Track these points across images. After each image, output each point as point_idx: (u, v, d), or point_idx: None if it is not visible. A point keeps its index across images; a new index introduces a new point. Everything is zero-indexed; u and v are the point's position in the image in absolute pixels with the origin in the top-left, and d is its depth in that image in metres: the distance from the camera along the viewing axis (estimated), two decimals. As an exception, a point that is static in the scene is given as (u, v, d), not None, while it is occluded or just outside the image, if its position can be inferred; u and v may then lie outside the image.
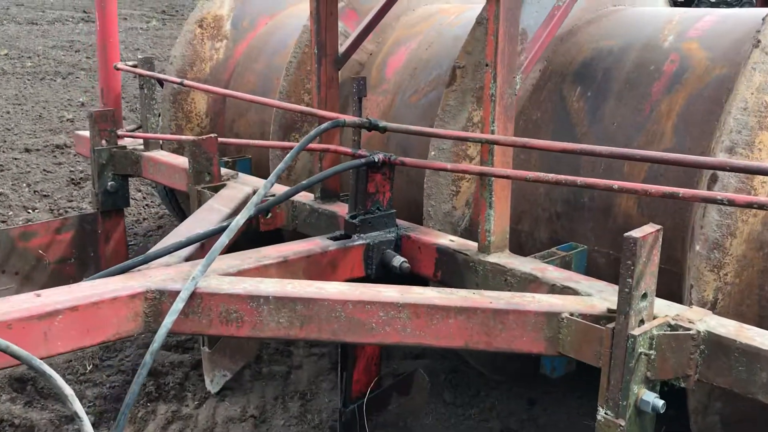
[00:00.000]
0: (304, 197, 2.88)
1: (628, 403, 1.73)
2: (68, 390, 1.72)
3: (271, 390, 3.32)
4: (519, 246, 2.69)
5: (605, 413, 1.77)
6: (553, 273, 2.15)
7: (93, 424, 2.99)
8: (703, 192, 1.90)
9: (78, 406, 1.73)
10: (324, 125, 2.35)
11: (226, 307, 1.88)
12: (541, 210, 2.65)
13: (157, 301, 1.88)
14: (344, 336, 1.90)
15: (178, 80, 3.74)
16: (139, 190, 6.19)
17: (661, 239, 1.72)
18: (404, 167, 2.83)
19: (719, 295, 2.00)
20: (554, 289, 2.08)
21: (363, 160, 2.33)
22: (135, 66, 3.79)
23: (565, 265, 2.32)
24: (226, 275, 2.02)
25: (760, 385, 1.68)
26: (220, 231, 2.02)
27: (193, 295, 1.87)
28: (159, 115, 3.98)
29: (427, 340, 1.90)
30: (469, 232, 2.66)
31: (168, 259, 2.07)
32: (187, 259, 2.15)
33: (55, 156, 7.50)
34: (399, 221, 2.56)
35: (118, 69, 3.87)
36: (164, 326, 1.80)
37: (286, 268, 2.17)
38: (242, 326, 1.89)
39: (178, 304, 1.83)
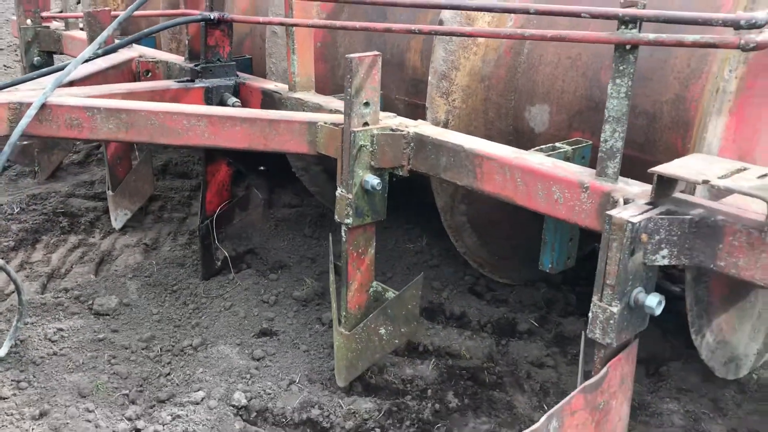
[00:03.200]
0: (177, 59, 3.47)
1: (354, 182, 2.38)
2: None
3: (167, 228, 3.99)
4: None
5: (340, 191, 2.42)
6: (335, 103, 2.78)
7: (13, 248, 3.69)
8: (436, 27, 2.48)
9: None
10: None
11: (70, 115, 2.51)
12: (360, 67, 3.24)
13: (18, 110, 2.51)
14: (159, 139, 2.54)
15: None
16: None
17: (380, 63, 2.34)
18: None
19: (449, 117, 2.64)
20: (332, 112, 2.71)
21: (199, 16, 2.93)
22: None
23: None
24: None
25: (442, 167, 2.33)
26: (72, 63, 2.64)
27: (45, 106, 2.50)
28: (78, 2, 4.54)
29: (221, 142, 2.55)
30: (306, 87, 3.27)
31: (35, 86, 2.69)
32: (55, 89, 2.77)
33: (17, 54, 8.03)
34: (241, 74, 3.17)
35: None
36: (20, 125, 2.44)
37: (131, 99, 2.79)
38: (82, 131, 2.53)
39: (31, 111, 2.46)
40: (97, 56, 2.72)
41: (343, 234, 2.48)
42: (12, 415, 2.49)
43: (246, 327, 2.98)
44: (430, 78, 2.59)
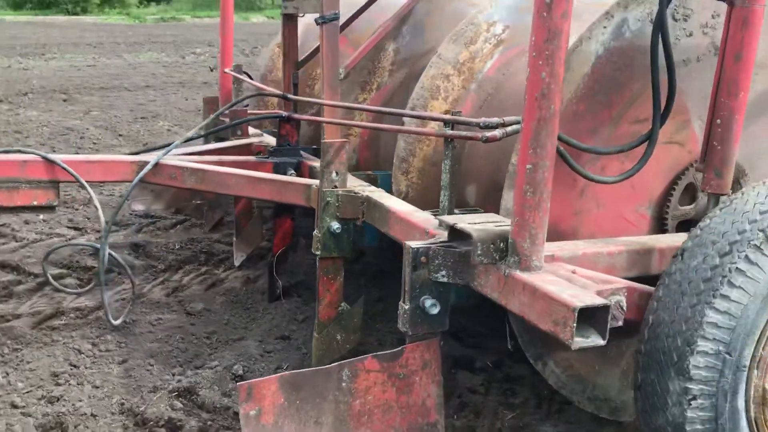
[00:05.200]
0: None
1: (324, 226, 3.46)
2: (93, 193, 3.89)
3: (270, 271, 5.30)
4: (382, 178, 4.39)
5: (316, 232, 3.51)
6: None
7: (162, 270, 5.22)
8: (400, 127, 3.54)
9: (95, 198, 3.89)
10: (245, 95, 4.34)
11: (171, 171, 3.93)
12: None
13: (142, 166, 3.98)
14: (220, 189, 3.87)
15: (260, 85, 5.92)
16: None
17: (347, 146, 3.44)
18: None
19: (409, 189, 3.62)
20: (336, 182, 3.83)
21: (275, 114, 4.27)
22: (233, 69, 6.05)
23: (371, 181, 4.01)
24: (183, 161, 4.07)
25: (377, 219, 3.33)
26: (179, 141, 4.09)
27: (158, 165, 3.95)
28: (247, 106, 6.21)
29: (255, 194, 3.80)
30: (356, 167, 4.44)
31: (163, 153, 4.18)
32: (176, 156, 4.24)
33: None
34: (305, 154, 4.44)
35: (226, 73, 6.16)
36: (140, 174, 3.91)
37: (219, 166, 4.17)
38: (176, 181, 3.93)
39: (149, 167, 3.92)
40: (200, 136, 4.16)
41: (317, 263, 3.54)
42: (107, 359, 3.84)
43: (272, 332, 4.11)
44: (394, 160, 3.63)
